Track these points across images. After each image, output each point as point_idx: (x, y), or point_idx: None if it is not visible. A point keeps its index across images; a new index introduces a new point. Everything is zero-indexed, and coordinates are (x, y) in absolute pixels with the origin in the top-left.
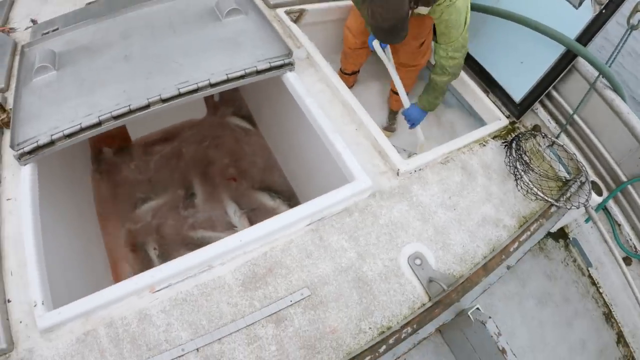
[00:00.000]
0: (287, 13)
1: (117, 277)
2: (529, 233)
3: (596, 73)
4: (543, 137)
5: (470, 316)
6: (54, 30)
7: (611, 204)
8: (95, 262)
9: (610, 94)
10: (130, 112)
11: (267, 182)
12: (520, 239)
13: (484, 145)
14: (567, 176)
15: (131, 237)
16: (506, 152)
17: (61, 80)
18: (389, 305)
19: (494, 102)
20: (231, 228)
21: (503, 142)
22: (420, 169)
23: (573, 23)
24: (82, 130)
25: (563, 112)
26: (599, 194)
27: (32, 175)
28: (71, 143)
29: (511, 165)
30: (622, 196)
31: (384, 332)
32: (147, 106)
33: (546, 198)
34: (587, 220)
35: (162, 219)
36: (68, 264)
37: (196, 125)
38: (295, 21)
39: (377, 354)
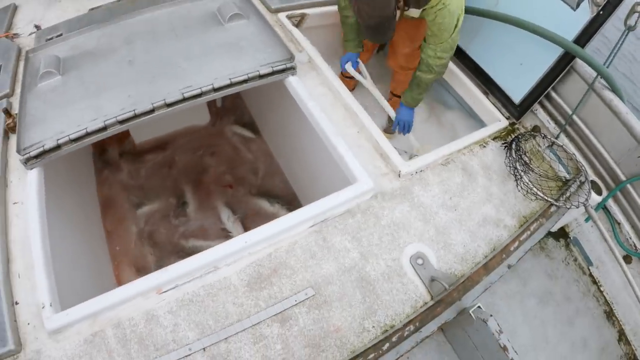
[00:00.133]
0: (289, 17)
1: (119, 280)
2: (529, 232)
3: (594, 74)
4: (543, 138)
5: (472, 314)
6: (57, 36)
7: (611, 203)
8: (99, 264)
9: (608, 95)
10: (136, 116)
11: (266, 188)
12: (521, 239)
13: (484, 146)
14: (567, 176)
15: (131, 240)
16: (506, 153)
17: (66, 85)
18: (391, 304)
19: (493, 104)
20: (223, 236)
21: (503, 143)
22: (421, 171)
23: (571, 25)
24: (87, 134)
25: (562, 112)
26: (599, 193)
27: (39, 179)
28: (77, 147)
29: (511, 165)
30: (621, 195)
31: (387, 330)
32: (152, 111)
33: (546, 198)
34: (587, 220)
35: (155, 226)
36: (74, 266)
37: (197, 133)
38: (297, 25)
39: (380, 352)
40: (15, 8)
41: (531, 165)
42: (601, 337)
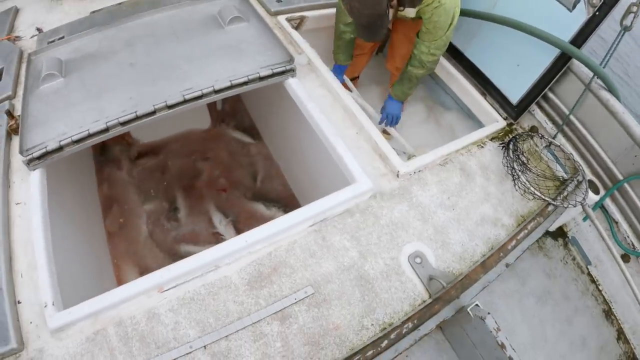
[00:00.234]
0: (288, 20)
1: (120, 279)
2: (526, 231)
3: (591, 74)
4: (540, 138)
5: (470, 312)
6: (59, 39)
7: (608, 202)
8: (100, 264)
9: (605, 94)
10: (137, 118)
11: (263, 192)
12: (518, 237)
13: (482, 146)
14: (565, 176)
15: (130, 240)
16: (503, 153)
17: (68, 87)
18: (390, 303)
19: (491, 105)
20: (214, 241)
21: (500, 144)
22: (419, 171)
23: (567, 25)
24: (89, 136)
25: (559, 113)
26: (596, 192)
27: (41, 180)
28: (79, 149)
29: (508, 165)
30: (619, 194)
31: (385, 328)
32: (154, 112)
33: (543, 197)
34: (585, 219)
35: (152, 227)
36: (76, 266)
37: (196, 136)
38: (296, 28)
39: (379, 349)
40: (16, 11)
41: (529, 165)
42: (600, 336)
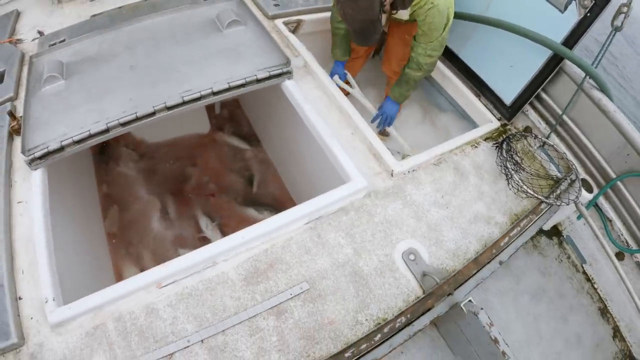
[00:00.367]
0: (285, 24)
1: (119, 276)
2: (519, 228)
3: (583, 74)
4: (534, 138)
5: (463, 308)
6: (60, 42)
7: (602, 201)
8: (99, 261)
9: (597, 94)
10: (137, 119)
11: (256, 197)
12: (511, 234)
13: (476, 146)
14: (559, 175)
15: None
16: (497, 153)
17: (69, 89)
18: (384, 298)
19: (485, 106)
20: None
21: (494, 143)
22: (413, 170)
23: (559, 27)
24: (90, 136)
25: (552, 113)
26: (590, 191)
27: (43, 180)
28: (80, 149)
29: (502, 165)
30: (612, 193)
31: (379, 323)
32: (153, 113)
33: (536, 195)
34: (579, 218)
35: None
36: (76, 262)
37: (190, 142)
38: (293, 31)
39: (372, 342)
40: (18, 14)
41: (523, 165)
42: (595, 334)
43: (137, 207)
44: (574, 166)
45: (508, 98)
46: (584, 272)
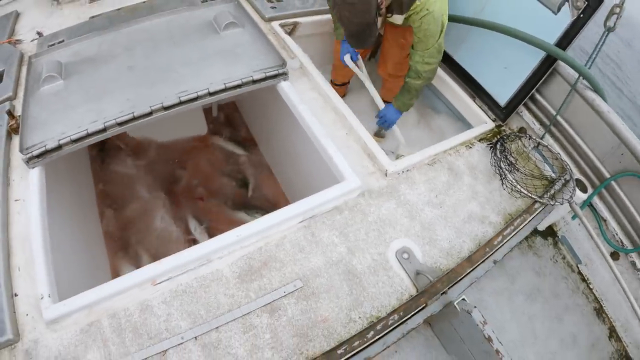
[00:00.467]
0: (282, 26)
1: (115, 273)
2: (512, 228)
3: (576, 75)
4: (528, 139)
5: (457, 306)
6: (59, 42)
7: (597, 201)
8: (95, 258)
9: (590, 95)
10: (134, 118)
11: (249, 200)
12: (504, 233)
13: (470, 147)
14: (553, 175)
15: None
16: (491, 153)
17: (68, 89)
18: (377, 297)
19: (480, 107)
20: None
21: (488, 144)
22: (407, 170)
23: (553, 28)
24: (88, 135)
25: (546, 113)
26: (584, 191)
27: (40, 178)
28: (77, 148)
29: (496, 165)
30: (606, 193)
31: (373, 321)
32: (150, 113)
33: (530, 195)
34: (574, 218)
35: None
36: (72, 260)
37: (185, 145)
38: (289, 33)
39: (365, 340)
40: (17, 15)
41: (517, 165)
42: (591, 334)
43: (133, 206)
44: (568, 166)
45: (502, 99)
46: (579, 272)
